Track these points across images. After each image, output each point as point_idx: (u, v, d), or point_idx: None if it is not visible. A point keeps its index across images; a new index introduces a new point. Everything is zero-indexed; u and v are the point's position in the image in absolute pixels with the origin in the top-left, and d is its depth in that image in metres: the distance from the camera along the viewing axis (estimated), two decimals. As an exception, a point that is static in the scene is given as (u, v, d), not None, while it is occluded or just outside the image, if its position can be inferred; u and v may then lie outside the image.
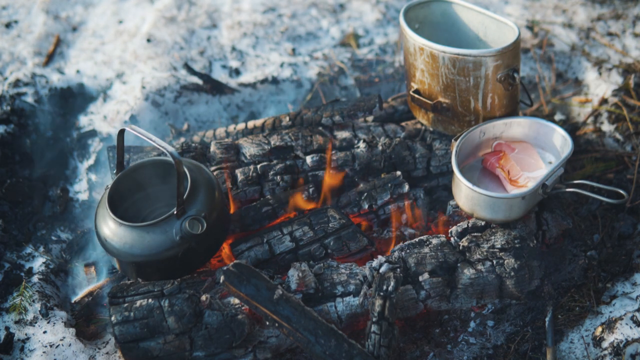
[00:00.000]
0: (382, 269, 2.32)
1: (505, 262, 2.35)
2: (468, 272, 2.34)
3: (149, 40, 3.72)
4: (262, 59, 3.66)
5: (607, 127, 3.15)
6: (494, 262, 2.36)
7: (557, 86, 3.51)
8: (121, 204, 2.38)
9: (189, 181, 2.26)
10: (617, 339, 2.24)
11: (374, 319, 2.17)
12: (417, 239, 2.44)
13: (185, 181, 2.26)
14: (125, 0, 4.10)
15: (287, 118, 2.88)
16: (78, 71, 3.58)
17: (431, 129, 2.80)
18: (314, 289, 2.29)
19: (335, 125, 2.83)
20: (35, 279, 2.56)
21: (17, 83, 3.39)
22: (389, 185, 2.62)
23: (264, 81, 3.50)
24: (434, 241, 2.42)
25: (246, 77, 3.55)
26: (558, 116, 3.34)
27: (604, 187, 2.51)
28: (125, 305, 2.22)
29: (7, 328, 2.37)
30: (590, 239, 2.67)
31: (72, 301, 2.55)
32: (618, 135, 3.08)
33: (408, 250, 2.39)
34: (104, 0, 4.11)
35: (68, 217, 2.92)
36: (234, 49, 3.73)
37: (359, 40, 3.82)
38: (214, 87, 3.43)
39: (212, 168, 2.67)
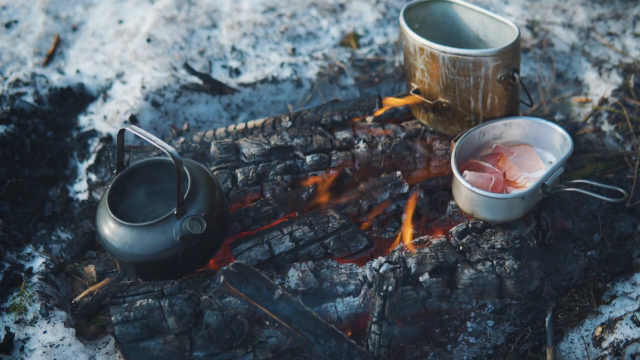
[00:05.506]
0: (382, 269, 2.32)
1: (506, 262, 2.35)
2: (468, 272, 2.34)
3: (149, 40, 3.72)
4: (262, 59, 3.66)
5: (607, 127, 3.15)
6: (494, 262, 2.36)
7: (557, 86, 3.51)
8: (121, 204, 2.38)
9: (189, 181, 2.26)
10: (617, 339, 2.24)
11: (374, 319, 2.17)
12: (417, 239, 2.44)
13: (185, 181, 2.26)
14: (125, 0, 4.10)
15: (287, 118, 2.88)
16: (78, 71, 3.58)
17: (431, 129, 2.80)
18: (314, 289, 2.29)
19: (336, 125, 2.83)
20: (35, 279, 2.56)
21: (17, 83, 3.39)
22: (389, 185, 2.62)
23: (264, 81, 3.50)
24: (434, 241, 2.42)
25: (246, 77, 3.55)
26: (558, 116, 3.34)
27: (603, 187, 2.51)
28: (125, 305, 2.22)
29: (7, 328, 2.38)
30: (590, 239, 2.67)
31: (72, 301, 2.55)
32: (618, 135, 3.08)
33: (408, 250, 2.39)
34: (104, 0, 4.11)
35: (68, 217, 2.92)
36: (234, 49, 3.74)
37: (359, 40, 3.82)
38: (214, 87, 3.43)
39: (212, 168, 2.67)
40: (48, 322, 2.40)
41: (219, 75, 3.57)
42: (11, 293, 2.52)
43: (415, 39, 2.58)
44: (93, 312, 2.49)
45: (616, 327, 2.28)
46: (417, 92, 2.72)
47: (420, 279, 2.33)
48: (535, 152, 2.64)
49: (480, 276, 2.34)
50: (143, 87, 3.37)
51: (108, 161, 2.86)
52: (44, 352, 2.30)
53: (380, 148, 2.72)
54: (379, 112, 2.81)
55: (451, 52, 2.49)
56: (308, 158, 2.69)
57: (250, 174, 2.64)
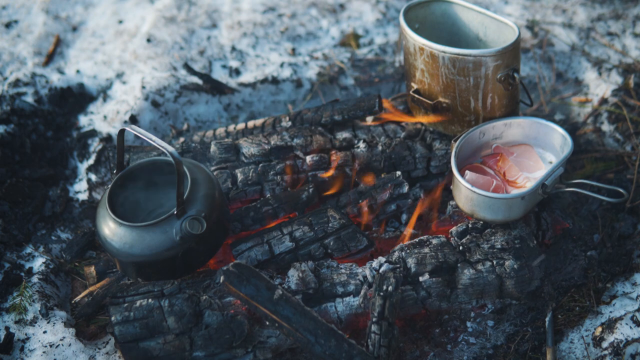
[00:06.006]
0: (382, 269, 2.32)
1: (506, 262, 2.35)
2: (468, 272, 2.34)
3: (149, 40, 3.72)
4: (262, 59, 3.66)
5: (607, 127, 3.15)
6: (494, 262, 2.36)
7: (557, 86, 3.51)
8: (121, 204, 2.38)
9: (189, 181, 2.26)
10: (617, 339, 2.24)
11: (374, 319, 2.17)
12: (417, 239, 2.44)
13: (185, 181, 2.26)
14: (125, 0, 4.10)
15: (287, 118, 2.88)
16: (78, 71, 3.58)
17: (431, 129, 2.80)
18: (314, 289, 2.29)
19: (336, 125, 2.83)
20: (35, 279, 2.56)
21: (17, 83, 3.39)
22: (389, 185, 2.62)
23: (264, 81, 3.50)
24: (434, 241, 2.42)
25: (246, 77, 3.55)
26: (558, 116, 3.34)
27: (604, 187, 2.51)
28: (125, 305, 2.22)
29: (7, 328, 2.38)
30: (590, 239, 2.67)
31: (72, 301, 2.55)
32: (618, 135, 3.08)
33: (408, 250, 2.39)
34: (104, 0, 4.11)
35: (68, 217, 2.92)
36: (234, 49, 3.74)
37: (359, 40, 3.82)
38: (214, 87, 3.43)
39: (212, 168, 2.67)
40: (48, 322, 2.40)
41: (219, 75, 3.57)
42: (11, 293, 2.51)
43: (415, 39, 2.58)
44: (93, 312, 2.49)
45: (616, 327, 2.28)
46: (417, 92, 2.72)
47: (420, 279, 2.33)
48: (535, 152, 2.64)
49: (480, 276, 2.34)
50: (143, 87, 3.37)
51: (108, 161, 2.86)
52: (44, 352, 2.30)
53: (380, 148, 2.72)
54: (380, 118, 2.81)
55: (451, 52, 2.49)
56: (308, 158, 2.69)
57: (250, 174, 2.64)
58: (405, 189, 2.63)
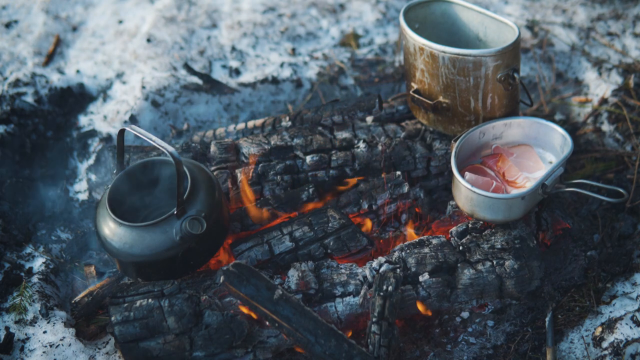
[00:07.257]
0: (382, 269, 2.32)
1: (506, 262, 2.35)
2: (468, 272, 2.34)
3: (149, 40, 3.72)
4: (262, 59, 3.66)
5: (607, 127, 3.15)
6: (494, 262, 2.36)
7: (557, 86, 3.51)
8: (121, 204, 2.38)
9: (189, 181, 2.26)
10: (617, 339, 2.24)
11: (374, 319, 2.17)
12: (417, 239, 2.44)
13: (185, 181, 2.26)
14: (125, 0, 4.10)
15: (287, 118, 2.89)
16: (78, 71, 3.58)
17: (431, 129, 2.80)
18: (314, 289, 2.29)
19: (335, 125, 2.83)
20: (35, 279, 2.56)
21: (17, 83, 3.39)
22: (389, 185, 2.62)
23: (263, 81, 3.50)
24: (434, 241, 2.42)
25: (246, 77, 3.55)
26: (558, 116, 3.34)
27: (603, 187, 2.51)
28: (125, 305, 2.22)
29: (7, 328, 2.37)
30: (590, 239, 2.67)
31: (72, 301, 2.54)
32: (618, 135, 3.08)
33: (408, 250, 2.39)
34: (104, 0, 4.11)
35: (68, 217, 2.92)
36: (234, 49, 3.74)
37: (359, 40, 3.82)
38: (214, 87, 3.43)
39: (212, 168, 2.67)
40: (48, 322, 2.40)
41: (219, 75, 3.57)
42: (11, 293, 2.51)
43: (415, 39, 2.58)
44: (93, 312, 2.49)
45: (616, 327, 2.28)
46: (417, 92, 2.72)
47: (420, 279, 2.33)
48: (535, 153, 2.64)
49: (480, 276, 2.34)
50: (143, 87, 3.37)
51: (108, 161, 2.86)
52: (44, 352, 2.30)
53: (380, 148, 2.72)
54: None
55: (451, 52, 2.49)
56: (308, 158, 2.69)
57: (250, 174, 2.64)
58: (405, 189, 2.63)
